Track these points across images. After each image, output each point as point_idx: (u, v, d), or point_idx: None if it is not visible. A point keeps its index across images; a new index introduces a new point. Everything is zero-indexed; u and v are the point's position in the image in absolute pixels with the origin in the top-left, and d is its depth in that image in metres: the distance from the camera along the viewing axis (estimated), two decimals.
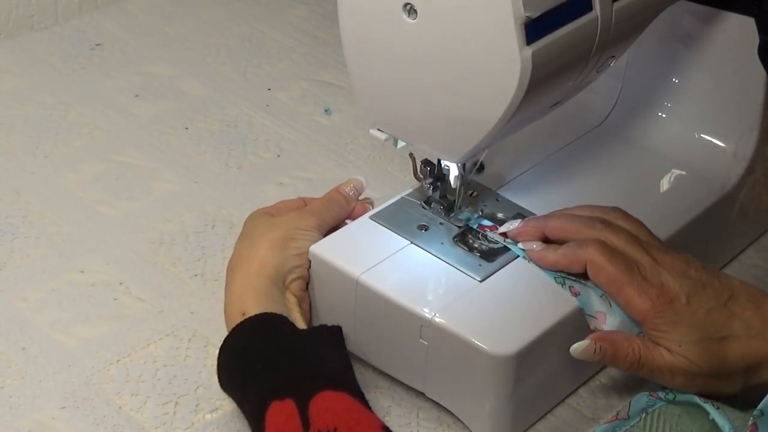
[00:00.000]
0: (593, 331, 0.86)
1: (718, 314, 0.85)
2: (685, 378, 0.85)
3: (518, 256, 0.91)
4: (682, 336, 0.84)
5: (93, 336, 0.96)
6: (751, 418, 0.83)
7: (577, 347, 0.85)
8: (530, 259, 0.89)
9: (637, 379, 0.89)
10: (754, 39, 0.91)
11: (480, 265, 0.90)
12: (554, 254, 0.88)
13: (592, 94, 1.03)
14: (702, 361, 0.84)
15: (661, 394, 0.87)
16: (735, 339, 0.85)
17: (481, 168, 0.95)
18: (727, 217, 1.02)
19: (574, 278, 0.88)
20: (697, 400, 0.86)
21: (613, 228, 0.88)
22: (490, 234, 0.92)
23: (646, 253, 0.87)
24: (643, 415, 0.86)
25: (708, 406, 0.85)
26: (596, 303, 0.87)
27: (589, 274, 0.86)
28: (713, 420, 0.85)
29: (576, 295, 0.87)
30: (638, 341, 0.85)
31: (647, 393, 0.87)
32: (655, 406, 0.87)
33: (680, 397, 0.87)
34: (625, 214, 0.91)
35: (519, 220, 0.92)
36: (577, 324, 0.87)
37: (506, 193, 0.98)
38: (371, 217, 0.94)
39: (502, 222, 0.94)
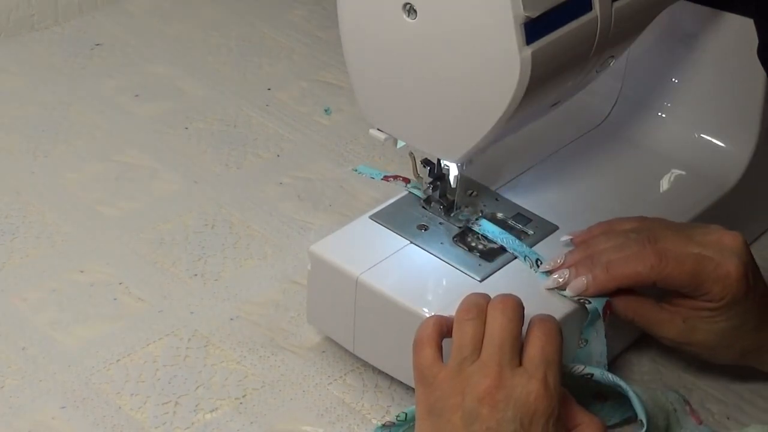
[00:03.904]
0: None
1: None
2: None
3: (517, 256, 0.91)
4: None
5: (93, 336, 0.96)
6: None
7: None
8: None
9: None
10: (754, 39, 0.91)
11: (480, 265, 0.90)
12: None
13: (592, 94, 1.03)
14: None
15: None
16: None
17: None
18: (726, 217, 1.02)
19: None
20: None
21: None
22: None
23: None
24: None
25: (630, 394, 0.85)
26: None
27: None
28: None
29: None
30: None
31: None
32: None
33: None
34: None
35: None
36: (576, 324, 0.87)
37: (506, 193, 0.98)
38: (371, 217, 0.94)
39: (502, 222, 0.95)
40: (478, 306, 0.80)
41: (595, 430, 0.80)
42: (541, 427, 0.76)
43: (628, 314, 0.88)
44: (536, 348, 0.78)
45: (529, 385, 0.76)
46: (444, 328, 0.81)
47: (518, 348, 0.78)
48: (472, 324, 0.79)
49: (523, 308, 0.80)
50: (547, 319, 0.81)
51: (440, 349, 0.81)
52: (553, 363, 0.78)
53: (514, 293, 0.82)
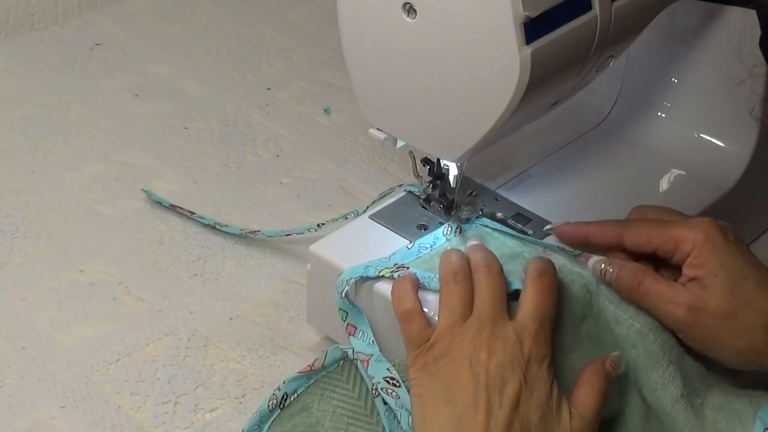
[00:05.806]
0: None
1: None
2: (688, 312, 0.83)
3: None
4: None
5: (93, 336, 0.96)
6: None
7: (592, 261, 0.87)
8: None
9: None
10: (754, 39, 0.91)
11: None
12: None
13: (592, 94, 1.03)
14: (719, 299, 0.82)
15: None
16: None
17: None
18: (726, 216, 1.02)
19: None
20: None
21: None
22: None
23: None
24: (341, 362, 0.85)
25: None
26: None
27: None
28: None
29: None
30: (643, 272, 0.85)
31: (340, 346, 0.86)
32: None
33: None
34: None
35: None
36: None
37: (506, 193, 0.98)
38: (371, 217, 0.94)
39: (502, 221, 0.95)
40: (464, 269, 0.83)
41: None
42: (536, 369, 0.79)
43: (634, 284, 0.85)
44: (530, 305, 0.81)
45: (523, 335, 0.80)
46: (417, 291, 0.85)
47: (506, 302, 0.82)
48: (461, 287, 0.82)
49: (500, 263, 0.84)
50: (543, 274, 0.83)
51: (424, 315, 0.83)
52: (548, 318, 0.81)
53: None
